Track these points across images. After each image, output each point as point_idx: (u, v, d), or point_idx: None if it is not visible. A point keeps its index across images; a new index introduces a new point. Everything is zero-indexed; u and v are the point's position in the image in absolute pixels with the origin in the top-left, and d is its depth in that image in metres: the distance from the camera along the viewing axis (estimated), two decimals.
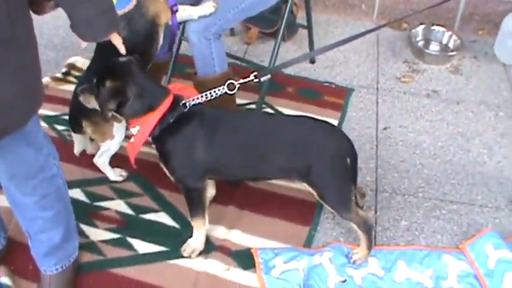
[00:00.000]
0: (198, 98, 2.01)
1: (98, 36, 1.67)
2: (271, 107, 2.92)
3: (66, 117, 2.49)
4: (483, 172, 2.58)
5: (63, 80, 3.07)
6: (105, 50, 2.19)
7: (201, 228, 2.13)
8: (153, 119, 1.94)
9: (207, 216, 2.13)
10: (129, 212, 2.34)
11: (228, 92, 2.04)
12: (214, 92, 2.02)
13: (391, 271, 2.09)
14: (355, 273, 2.07)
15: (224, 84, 2.04)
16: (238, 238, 2.23)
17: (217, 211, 2.31)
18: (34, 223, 1.84)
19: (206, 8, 2.33)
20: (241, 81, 2.05)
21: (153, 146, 2.06)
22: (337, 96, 3.03)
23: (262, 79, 2.08)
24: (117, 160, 2.44)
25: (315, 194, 2.02)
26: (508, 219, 2.34)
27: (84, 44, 1.69)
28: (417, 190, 2.48)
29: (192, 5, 2.36)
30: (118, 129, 2.28)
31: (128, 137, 2.16)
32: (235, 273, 2.09)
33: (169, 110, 1.95)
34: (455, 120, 2.89)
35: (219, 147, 2.00)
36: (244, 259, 2.14)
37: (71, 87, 2.58)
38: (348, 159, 1.99)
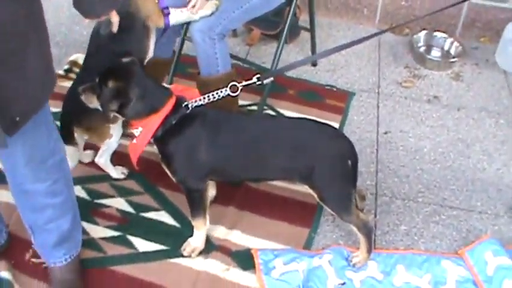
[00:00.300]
0: (200, 100, 2.01)
1: (100, 13, 1.73)
2: (273, 109, 2.93)
3: None
4: (483, 179, 2.59)
5: (65, 77, 3.06)
6: (99, 48, 2.20)
7: (201, 228, 2.13)
8: (155, 120, 1.94)
9: (207, 216, 2.13)
10: (130, 210, 2.35)
11: (231, 94, 2.03)
12: (217, 93, 2.02)
13: (390, 275, 2.10)
14: (354, 276, 2.08)
15: (227, 85, 2.03)
16: (239, 238, 2.23)
17: (217, 211, 2.31)
18: (43, 213, 1.82)
19: (207, 9, 2.33)
20: (244, 83, 2.05)
21: (155, 145, 2.06)
22: (338, 99, 3.04)
23: (265, 82, 2.08)
24: (118, 158, 2.44)
25: (315, 195, 2.02)
26: (507, 226, 2.35)
27: (87, 21, 1.74)
28: (417, 195, 2.49)
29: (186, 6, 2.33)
30: (115, 126, 2.28)
31: (129, 136, 2.15)
32: (235, 274, 2.10)
33: (172, 112, 1.95)
34: (455, 127, 2.90)
35: (221, 149, 2.00)
36: (244, 259, 2.14)
37: None
38: (349, 162, 1.99)
